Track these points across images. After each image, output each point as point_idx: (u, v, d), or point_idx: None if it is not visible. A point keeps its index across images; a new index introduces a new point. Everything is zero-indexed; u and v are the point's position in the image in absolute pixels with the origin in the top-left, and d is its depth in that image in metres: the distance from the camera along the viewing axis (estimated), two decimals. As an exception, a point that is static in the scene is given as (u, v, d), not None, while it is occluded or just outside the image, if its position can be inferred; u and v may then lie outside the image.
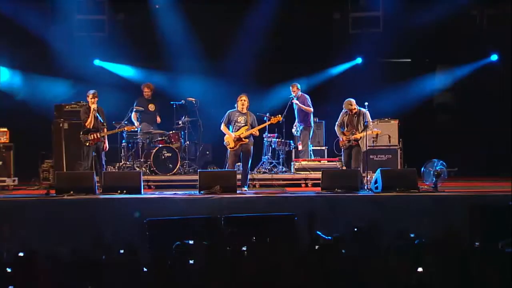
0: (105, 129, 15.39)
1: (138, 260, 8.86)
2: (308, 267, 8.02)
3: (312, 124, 17.82)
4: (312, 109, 17.67)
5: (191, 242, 9.53)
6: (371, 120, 15.59)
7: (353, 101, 15.59)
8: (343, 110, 15.77)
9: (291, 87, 17.72)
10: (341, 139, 15.71)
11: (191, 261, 8.41)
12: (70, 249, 9.24)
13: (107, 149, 15.56)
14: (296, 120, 17.95)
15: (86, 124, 15.20)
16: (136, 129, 16.77)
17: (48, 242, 12.14)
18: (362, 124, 15.44)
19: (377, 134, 15.87)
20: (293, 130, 18.06)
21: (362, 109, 15.52)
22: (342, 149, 15.84)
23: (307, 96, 17.77)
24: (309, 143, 17.80)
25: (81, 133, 15.27)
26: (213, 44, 19.22)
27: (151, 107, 17.67)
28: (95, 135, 15.17)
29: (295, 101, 17.62)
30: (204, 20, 19.19)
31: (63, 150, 16.63)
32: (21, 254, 8.93)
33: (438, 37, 19.41)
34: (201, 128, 18.02)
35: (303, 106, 17.52)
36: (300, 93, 17.73)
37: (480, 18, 19.87)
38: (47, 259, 8.65)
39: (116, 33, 19.30)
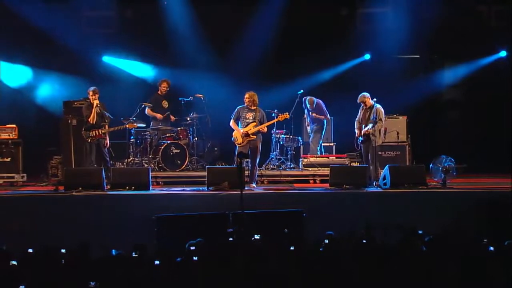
0: (107, 126, 15.38)
1: (146, 255, 8.89)
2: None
3: (325, 125, 17.86)
4: (328, 116, 17.76)
5: (199, 238, 9.56)
6: (383, 117, 15.40)
7: (366, 95, 15.51)
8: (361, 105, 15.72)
9: (307, 102, 17.80)
10: (356, 134, 15.65)
11: (195, 258, 8.45)
12: (79, 245, 9.27)
13: (108, 145, 15.56)
14: (308, 121, 18.01)
15: (90, 120, 15.23)
16: (138, 127, 16.76)
17: (56, 238, 12.17)
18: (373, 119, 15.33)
19: (385, 129, 15.83)
20: (308, 129, 18.09)
21: (378, 106, 15.39)
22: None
23: (321, 102, 17.81)
24: (320, 142, 17.80)
25: (83, 129, 15.31)
26: (221, 40, 19.21)
27: (165, 103, 17.65)
28: (96, 131, 15.20)
29: (313, 114, 17.83)
30: (212, 16, 19.18)
31: (71, 146, 16.63)
32: (30, 250, 8.97)
33: (446, 33, 19.35)
34: (209, 124, 18.01)
35: (320, 116, 17.73)
36: (315, 103, 17.80)
37: (488, 14, 19.82)
38: (56, 255, 8.68)
39: (125, 29, 19.31)
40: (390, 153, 17.00)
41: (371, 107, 15.38)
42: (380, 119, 15.29)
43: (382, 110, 15.40)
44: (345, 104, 18.35)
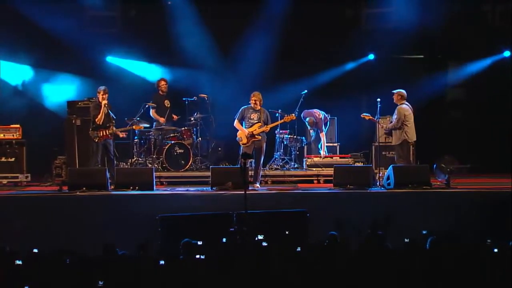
0: (112, 126, 15.35)
1: (150, 255, 8.90)
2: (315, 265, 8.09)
3: (325, 129, 17.77)
4: (324, 131, 17.67)
5: (203, 238, 9.57)
6: (402, 117, 15.28)
7: (397, 92, 15.51)
8: None
9: (307, 123, 17.69)
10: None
11: (202, 256, 8.45)
12: (82, 245, 9.29)
13: (125, 135, 15.77)
14: (308, 128, 17.95)
15: (97, 120, 15.22)
16: (144, 127, 16.77)
17: (60, 238, 12.21)
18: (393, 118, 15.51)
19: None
20: (311, 131, 18.01)
21: (401, 106, 15.40)
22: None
23: (321, 118, 17.67)
24: (321, 146, 17.65)
25: (91, 129, 15.30)
26: (225, 40, 19.18)
27: (167, 103, 17.66)
28: (103, 131, 15.21)
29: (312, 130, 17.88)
30: (216, 16, 19.17)
31: (75, 147, 16.65)
32: (35, 250, 8.98)
33: (450, 33, 19.34)
34: (213, 125, 18.04)
35: (322, 134, 17.60)
36: (315, 123, 17.69)
37: (492, 14, 19.80)
38: (59, 255, 8.69)
39: (128, 29, 19.31)
40: (393, 153, 16.93)
41: (397, 106, 15.41)
42: (398, 119, 15.29)
43: (403, 110, 15.32)
44: (348, 104, 18.37)
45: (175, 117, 17.80)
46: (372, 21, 19.67)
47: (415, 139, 15.47)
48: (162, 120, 17.30)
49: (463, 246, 8.75)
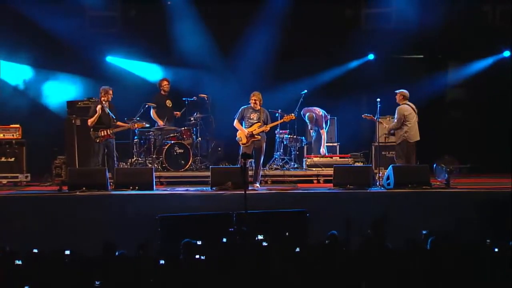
0: (113, 126, 15.29)
1: (150, 255, 8.91)
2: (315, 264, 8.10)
3: (326, 127, 17.74)
4: (325, 130, 17.66)
5: (202, 238, 9.58)
6: (402, 117, 15.39)
7: (400, 92, 15.60)
8: None
9: (307, 119, 17.67)
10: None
11: (202, 257, 8.46)
12: (82, 245, 9.29)
13: (135, 127, 15.82)
14: (309, 127, 17.91)
15: (89, 121, 15.16)
16: (146, 127, 16.76)
17: (60, 238, 12.21)
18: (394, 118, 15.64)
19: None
20: (311, 131, 17.96)
21: (401, 106, 15.49)
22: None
23: (321, 114, 17.66)
24: (322, 146, 17.62)
25: (91, 129, 15.26)
26: (225, 40, 19.18)
27: (169, 103, 17.67)
28: (105, 131, 15.17)
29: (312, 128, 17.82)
30: (216, 16, 19.17)
31: (75, 146, 16.64)
32: (35, 250, 8.99)
33: (450, 33, 19.33)
34: (213, 125, 18.03)
35: (323, 131, 17.60)
36: (315, 119, 17.64)
37: (492, 14, 19.78)
38: (59, 255, 8.70)
39: (128, 29, 19.29)
40: (394, 153, 16.94)
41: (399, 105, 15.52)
42: (399, 119, 15.39)
43: (403, 110, 15.41)
44: (348, 104, 18.37)
45: (178, 113, 17.80)
46: (372, 21, 19.62)
47: (417, 139, 15.47)
48: (161, 123, 17.26)
49: (463, 246, 8.76)
